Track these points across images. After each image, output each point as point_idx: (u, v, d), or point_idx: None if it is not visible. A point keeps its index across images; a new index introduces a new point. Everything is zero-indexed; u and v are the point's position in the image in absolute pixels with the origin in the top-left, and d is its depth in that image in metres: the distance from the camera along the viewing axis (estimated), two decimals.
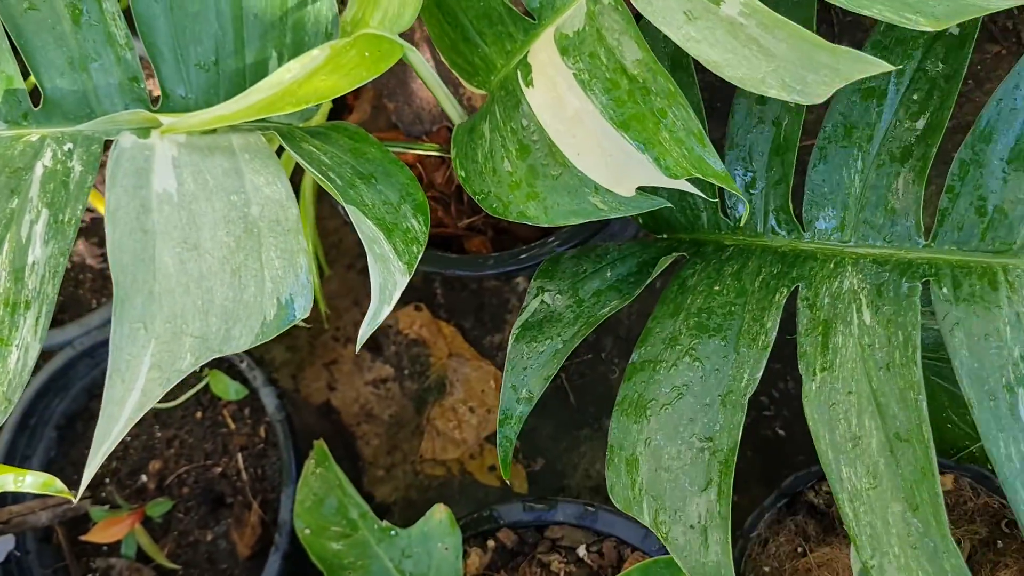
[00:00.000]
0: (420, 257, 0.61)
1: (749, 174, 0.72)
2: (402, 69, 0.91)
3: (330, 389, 1.10)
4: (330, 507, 0.86)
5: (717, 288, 0.69)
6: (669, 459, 0.63)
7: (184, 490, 0.98)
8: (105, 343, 0.99)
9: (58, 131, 0.63)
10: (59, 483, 0.68)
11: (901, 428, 0.57)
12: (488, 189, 0.66)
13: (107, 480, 1.00)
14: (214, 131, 0.64)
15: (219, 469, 0.98)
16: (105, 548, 0.98)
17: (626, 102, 0.59)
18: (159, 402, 0.68)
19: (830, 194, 0.69)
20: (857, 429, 0.59)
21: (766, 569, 0.79)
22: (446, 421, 1.04)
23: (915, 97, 0.66)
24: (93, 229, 1.11)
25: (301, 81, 0.57)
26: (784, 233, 0.71)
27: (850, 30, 1.03)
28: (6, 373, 0.54)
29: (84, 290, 1.10)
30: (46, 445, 1.02)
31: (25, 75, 0.65)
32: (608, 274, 0.74)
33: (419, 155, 0.91)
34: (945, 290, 0.61)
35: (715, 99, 0.92)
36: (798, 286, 0.67)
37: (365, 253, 0.56)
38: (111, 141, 0.62)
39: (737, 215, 0.73)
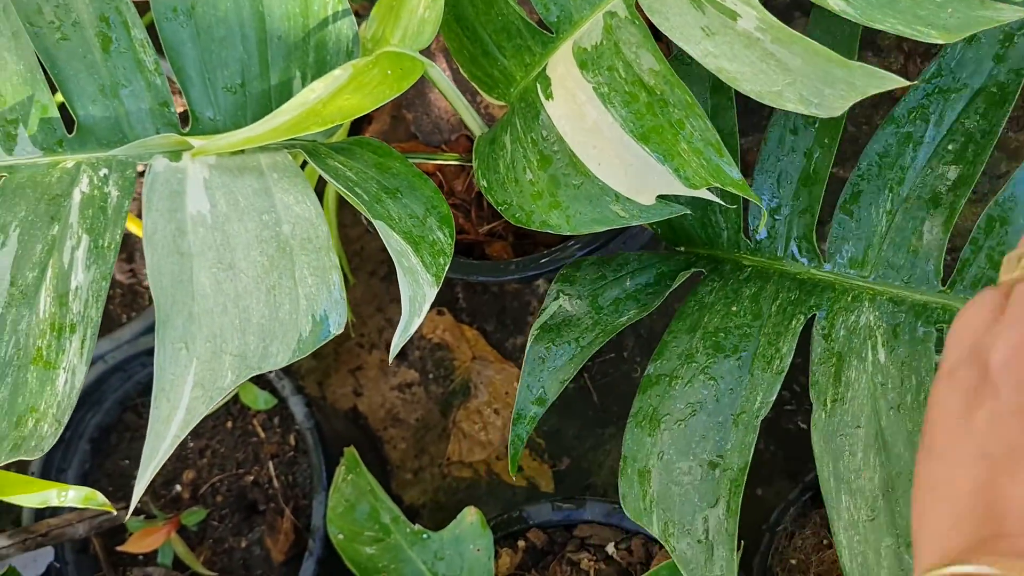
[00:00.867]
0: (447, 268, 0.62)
1: (776, 199, 0.72)
2: (420, 80, 0.92)
3: (356, 395, 1.11)
4: (362, 512, 0.87)
5: (735, 309, 0.70)
6: (680, 474, 0.64)
7: (218, 498, 1.00)
8: (136, 356, 1.01)
9: (93, 157, 0.65)
10: (101, 496, 0.70)
11: (904, 468, 0.59)
12: (510, 199, 0.67)
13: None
14: (242, 151, 0.65)
15: (251, 477, 1.00)
16: (141, 558, 1.00)
17: (645, 115, 0.60)
18: None
19: (856, 229, 0.69)
20: (861, 463, 0.60)
21: (792, 561, 0.81)
22: (472, 423, 1.05)
23: (950, 147, 0.66)
24: (121, 245, 1.13)
25: (325, 101, 0.58)
26: (804, 260, 0.71)
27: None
28: (55, 395, 0.56)
29: (114, 305, 1.12)
30: (81, 458, 1.04)
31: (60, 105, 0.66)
32: (628, 283, 0.74)
33: (439, 164, 0.92)
34: None
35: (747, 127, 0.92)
36: (815, 314, 0.67)
37: (388, 260, 0.57)
38: (144, 165, 0.64)
39: (759, 237, 0.74)
